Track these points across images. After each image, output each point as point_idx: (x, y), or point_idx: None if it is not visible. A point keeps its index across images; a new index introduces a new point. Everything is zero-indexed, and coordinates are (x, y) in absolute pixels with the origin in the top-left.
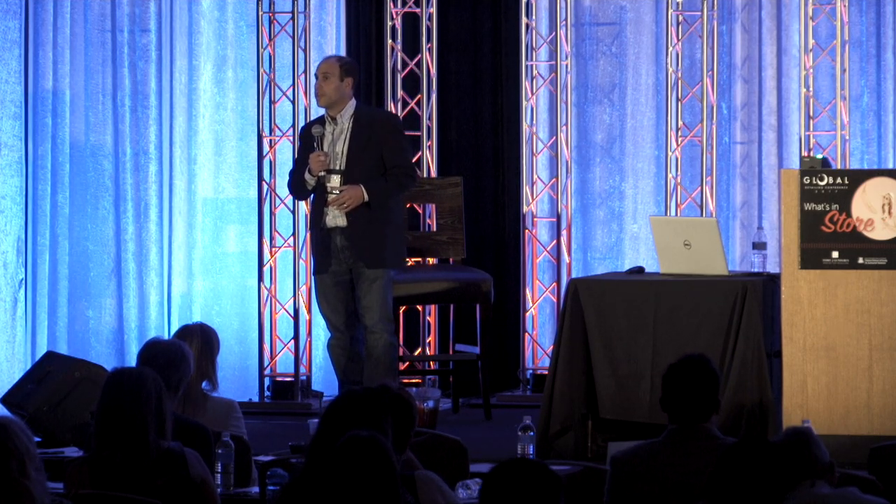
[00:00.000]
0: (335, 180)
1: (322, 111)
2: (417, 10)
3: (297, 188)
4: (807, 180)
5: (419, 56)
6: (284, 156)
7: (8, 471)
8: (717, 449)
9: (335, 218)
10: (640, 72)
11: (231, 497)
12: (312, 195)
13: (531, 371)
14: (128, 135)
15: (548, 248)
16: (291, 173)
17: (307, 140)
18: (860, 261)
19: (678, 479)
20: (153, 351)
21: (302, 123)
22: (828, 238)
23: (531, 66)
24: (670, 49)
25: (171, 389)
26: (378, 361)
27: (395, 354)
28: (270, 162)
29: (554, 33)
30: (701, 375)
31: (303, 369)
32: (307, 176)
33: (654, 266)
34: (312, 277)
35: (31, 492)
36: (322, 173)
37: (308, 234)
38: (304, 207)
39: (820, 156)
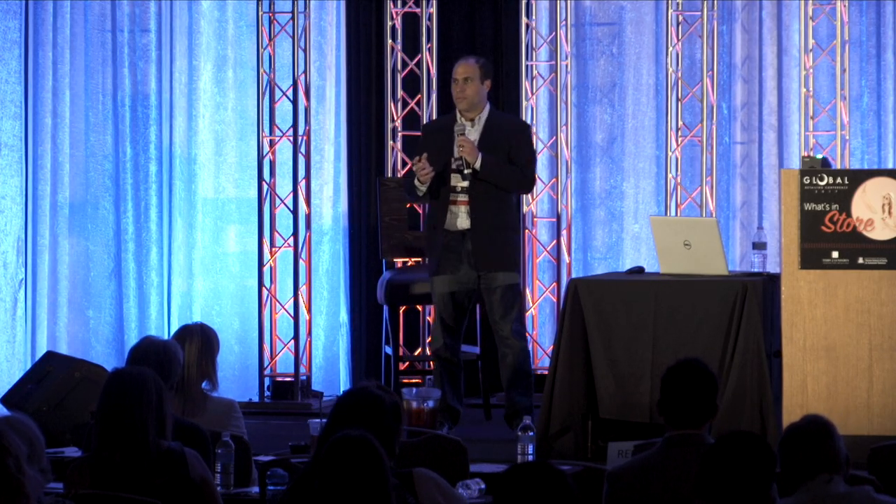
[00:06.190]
0: (459, 180)
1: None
2: (417, 10)
3: (411, 190)
4: (807, 180)
5: (419, 56)
6: (284, 156)
7: (6, 468)
8: None
9: (461, 220)
10: (640, 72)
11: (231, 497)
12: (429, 196)
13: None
14: (128, 135)
15: (548, 248)
16: (409, 174)
17: (436, 137)
18: (860, 261)
19: (672, 493)
20: (145, 350)
21: (302, 123)
22: (828, 238)
23: (531, 66)
24: (670, 49)
25: None
26: (512, 368)
27: (529, 361)
28: (270, 162)
29: (554, 33)
30: (700, 379)
31: (303, 369)
32: (416, 183)
33: (654, 266)
34: (431, 279)
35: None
36: (457, 166)
37: (426, 236)
38: (304, 208)
39: (820, 156)
